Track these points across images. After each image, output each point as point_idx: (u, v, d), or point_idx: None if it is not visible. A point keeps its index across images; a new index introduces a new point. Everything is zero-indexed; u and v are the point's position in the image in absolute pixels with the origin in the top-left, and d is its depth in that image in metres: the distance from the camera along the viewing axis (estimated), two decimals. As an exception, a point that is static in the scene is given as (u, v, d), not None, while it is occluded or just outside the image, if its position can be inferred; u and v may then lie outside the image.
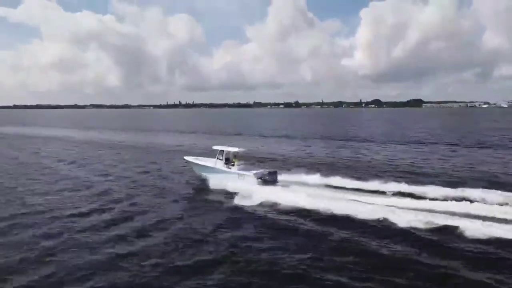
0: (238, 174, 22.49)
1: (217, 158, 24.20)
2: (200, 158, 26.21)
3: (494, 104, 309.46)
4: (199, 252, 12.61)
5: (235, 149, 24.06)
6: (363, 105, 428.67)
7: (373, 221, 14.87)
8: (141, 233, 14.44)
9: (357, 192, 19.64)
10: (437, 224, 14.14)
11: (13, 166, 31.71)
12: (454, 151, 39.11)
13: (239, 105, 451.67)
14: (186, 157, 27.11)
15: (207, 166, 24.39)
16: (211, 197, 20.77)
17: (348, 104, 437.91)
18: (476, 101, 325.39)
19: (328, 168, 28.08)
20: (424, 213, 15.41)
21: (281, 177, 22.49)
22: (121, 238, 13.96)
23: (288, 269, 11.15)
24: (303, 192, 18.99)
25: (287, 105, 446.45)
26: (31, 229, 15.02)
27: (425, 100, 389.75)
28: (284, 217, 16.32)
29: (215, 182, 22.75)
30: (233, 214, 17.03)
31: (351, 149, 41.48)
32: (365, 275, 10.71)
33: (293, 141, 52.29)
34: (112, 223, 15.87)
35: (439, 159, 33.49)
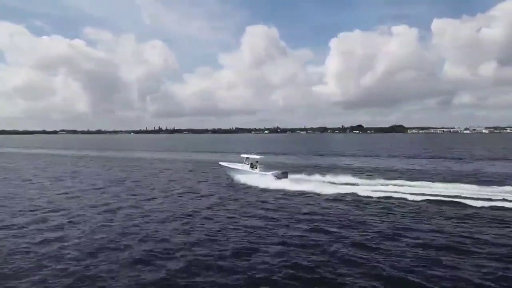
0: (260, 174, 29.74)
1: (244, 163, 31.21)
2: (231, 163, 33.34)
3: (474, 129, 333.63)
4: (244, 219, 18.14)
5: (257, 157, 31.36)
6: (348, 130, 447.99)
7: (365, 197, 22.92)
8: (198, 212, 19.55)
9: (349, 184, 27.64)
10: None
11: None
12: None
13: (221, 131, 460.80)
14: (220, 163, 34.59)
15: (237, 169, 31.63)
16: (242, 189, 27.18)
17: (333, 130, 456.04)
18: (458, 127, 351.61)
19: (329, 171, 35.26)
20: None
21: (291, 176, 30.24)
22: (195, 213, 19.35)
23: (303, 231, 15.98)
24: (307, 183, 27.25)
25: (272, 131, 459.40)
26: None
27: (405, 125, 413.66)
28: (293, 198, 23.52)
29: (243, 179, 30.10)
30: (258, 198, 23.79)
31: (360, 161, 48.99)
32: (368, 243, 14.16)
33: (305, 156, 60.45)
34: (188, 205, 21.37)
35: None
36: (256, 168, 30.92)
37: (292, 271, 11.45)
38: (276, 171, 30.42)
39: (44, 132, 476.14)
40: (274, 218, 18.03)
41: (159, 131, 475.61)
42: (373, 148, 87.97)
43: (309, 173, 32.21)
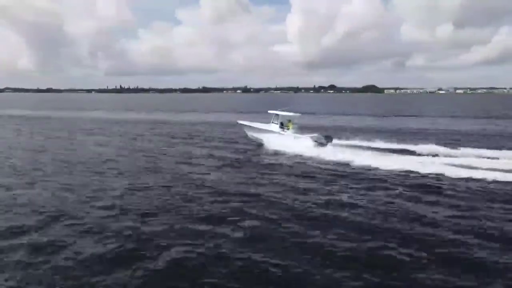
0: (294, 136, 25.21)
1: (272, 122, 26.70)
2: (254, 122, 28.34)
3: (448, 90, 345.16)
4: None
5: (290, 114, 26.55)
6: (322, 90, 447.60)
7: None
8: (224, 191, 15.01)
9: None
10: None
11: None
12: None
13: (190, 91, 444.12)
14: (240, 121, 29.35)
15: (265, 129, 26.62)
16: (270, 157, 22.69)
17: (307, 90, 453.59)
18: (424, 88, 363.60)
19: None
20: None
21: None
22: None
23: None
24: (361, 153, 21.87)
25: (244, 90, 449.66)
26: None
27: (379, 86, 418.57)
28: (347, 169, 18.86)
29: (272, 143, 25.23)
30: (299, 170, 19.16)
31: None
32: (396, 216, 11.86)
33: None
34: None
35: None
36: (289, 129, 26.27)
37: None
38: (317, 134, 24.98)
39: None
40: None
41: (121, 90, 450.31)
42: (392, 108, 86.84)
43: (348, 138, 27.67)
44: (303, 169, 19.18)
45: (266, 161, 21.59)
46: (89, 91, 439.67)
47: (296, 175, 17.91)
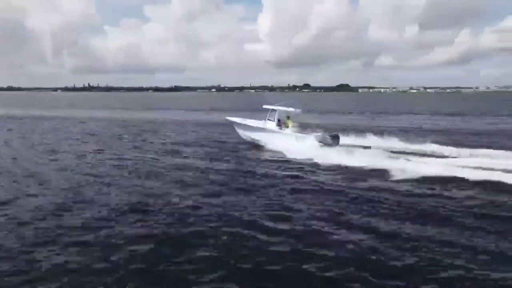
0: (296, 136, 22.54)
1: (268, 119, 24.03)
2: (246, 119, 25.53)
3: (418, 89, 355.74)
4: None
5: (290, 109, 23.86)
6: (297, 89, 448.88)
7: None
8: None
9: None
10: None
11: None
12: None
13: (163, 89, 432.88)
14: (229, 118, 26.28)
15: (258, 127, 23.88)
16: (271, 163, 19.22)
17: (282, 89, 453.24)
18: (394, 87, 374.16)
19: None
20: None
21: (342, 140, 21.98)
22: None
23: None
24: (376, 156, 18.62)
25: (219, 89, 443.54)
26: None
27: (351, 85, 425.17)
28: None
29: (269, 144, 22.53)
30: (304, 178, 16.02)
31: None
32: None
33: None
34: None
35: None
36: (288, 127, 23.49)
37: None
38: (321, 133, 22.05)
39: None
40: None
41: (90, 88, 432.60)
42: (387, 107, 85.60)
43: (359, 136, 24.02)
44: (318, 180, 15.46)
45: (262, 169, 17.58)
46: (54, 89, 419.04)
47: (315, 190, 13.93)
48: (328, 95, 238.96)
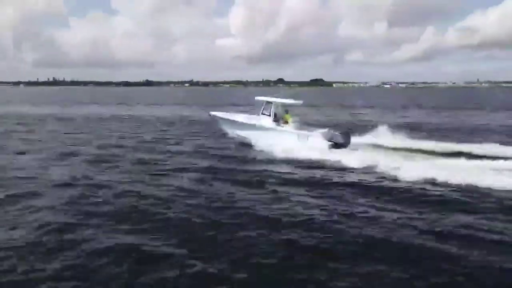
0: (298, 133, 18.85)
1: (261, 113, 20.27)
2: (235, 114, 21.71)
3: (391, 84, 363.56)
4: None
5: (288, 101, 20.31)
6: (271, 84, 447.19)
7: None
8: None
9: None
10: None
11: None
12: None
13: (133, 84, 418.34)
14: (213, 112, 22.35)
15: (251, 124, 20.01)
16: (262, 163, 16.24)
17: (256, 83, 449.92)
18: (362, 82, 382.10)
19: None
20: None
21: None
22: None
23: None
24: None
25: (192, 83, 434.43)
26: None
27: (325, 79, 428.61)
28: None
29: (264, 144, 18.62)
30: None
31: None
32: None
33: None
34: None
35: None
36: (287, 123, 19.57)
37: None
38: (327, 130, 18.42)
39: None
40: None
41: (55, 82, 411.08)
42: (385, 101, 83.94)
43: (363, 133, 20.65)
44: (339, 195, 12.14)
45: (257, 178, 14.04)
46: (16, 83, 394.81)
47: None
48: (304, 90, 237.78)
